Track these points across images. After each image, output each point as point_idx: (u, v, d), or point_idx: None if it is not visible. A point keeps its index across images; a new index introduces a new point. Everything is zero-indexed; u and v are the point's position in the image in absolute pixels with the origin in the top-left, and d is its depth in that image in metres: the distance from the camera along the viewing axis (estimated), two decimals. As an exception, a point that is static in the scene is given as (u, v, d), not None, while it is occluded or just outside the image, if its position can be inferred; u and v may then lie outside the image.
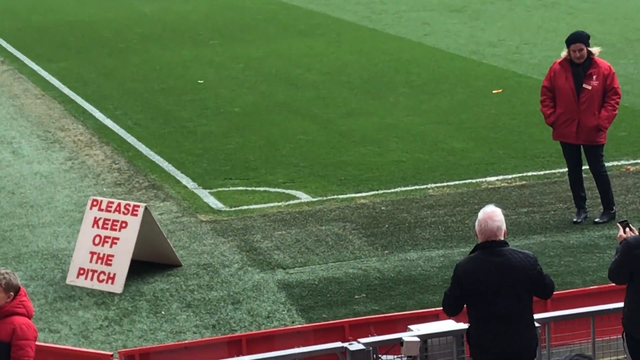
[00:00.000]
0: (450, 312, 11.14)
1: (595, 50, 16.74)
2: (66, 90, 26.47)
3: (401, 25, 31.53)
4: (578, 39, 16.44)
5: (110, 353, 11.91)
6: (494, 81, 23.98)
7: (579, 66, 16.44)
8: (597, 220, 16.61)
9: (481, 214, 10.66)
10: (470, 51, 27.98)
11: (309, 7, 34.67)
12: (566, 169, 17.22)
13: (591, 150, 16.83)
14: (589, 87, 16.32)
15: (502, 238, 10.47)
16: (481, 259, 10.56)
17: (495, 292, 10.43)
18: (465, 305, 10.62)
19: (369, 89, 25.16)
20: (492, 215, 10.42)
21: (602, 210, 16.86)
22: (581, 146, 16.80)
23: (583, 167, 17.22)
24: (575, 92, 16.37)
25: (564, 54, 16.62)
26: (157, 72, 27.67)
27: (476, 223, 10.59)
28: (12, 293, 9.63)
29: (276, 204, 18.69)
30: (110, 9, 36.29)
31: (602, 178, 16.95)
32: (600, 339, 12.02)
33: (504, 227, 10.52)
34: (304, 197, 18.90)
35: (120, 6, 36.56)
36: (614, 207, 16.88)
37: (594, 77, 16.38)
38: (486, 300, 10.51)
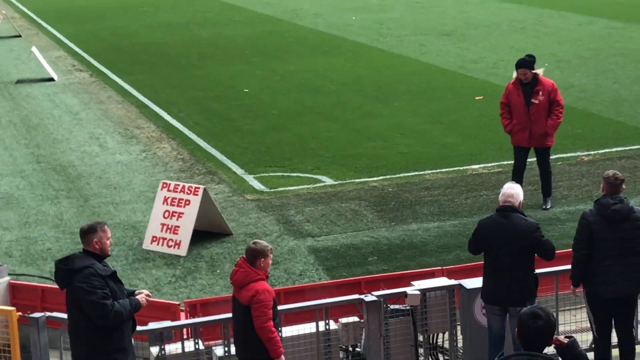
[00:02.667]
0: (471, 251, 11.61)
1: (539, 71, 16.87)
2: (141, 97, 26.48)
3: (403, 46, 31.43)
4: (522, 65, 16.68)
5: (177, 303, 11.96)
6: (477, 90, 23.99)
7: (528, 84, 16.54)
8: (546, 207, 16.73)
9: (504, 187, 11.26)
10: (458, 66, 27.89)
11: (331, 31, 34.63)
12: (512, 163, 17.32)
13: (541, 152, 16.93)
14: (537, 102, 16.45)
15: (516, 205, 10.85)
16: (493, 218, 11.06)
17: (498, 247, 10.84)
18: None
19: (379, 96, 25.10)
20: (512, 185, 11.43)
21: (545, 199, 16.94)
22: (533, 149, 16.88)
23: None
24: (526, 106, 16.45)
25: (514, 75, 16.67)
26: (212, 83, 27.63)
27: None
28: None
29: (306, 186, 18.63)
30: (175, 33, 36.30)
31: (547, 174, 17.09)
32: (562, 292, 12.03)
33: (519, 197, 10.96)
34: (328, 181, 18.83)
35: (183, 31, 36.54)
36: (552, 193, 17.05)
37: (540, 93, 16.51)
38: (492, 253, 10.98)
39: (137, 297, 9.80)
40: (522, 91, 16.54)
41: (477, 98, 23.12)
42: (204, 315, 12.18)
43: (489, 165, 18.95)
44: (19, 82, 29.27)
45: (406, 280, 12.39)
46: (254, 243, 10.39)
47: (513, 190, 11.15)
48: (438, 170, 19.06)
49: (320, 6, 41.38)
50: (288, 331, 11.09)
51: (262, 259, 10.16)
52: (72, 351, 9.99)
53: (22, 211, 18.03)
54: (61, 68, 31.01)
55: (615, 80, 25.39)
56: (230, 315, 10.87)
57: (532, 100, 16.43)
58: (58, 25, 39.95)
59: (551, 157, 17.70)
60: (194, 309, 12.51)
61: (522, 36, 31.61)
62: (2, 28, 37.98)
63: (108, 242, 9.80)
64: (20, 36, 37.58)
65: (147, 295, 10.01)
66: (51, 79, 29.11)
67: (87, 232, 9.77)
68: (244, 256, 10.26)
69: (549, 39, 31.01)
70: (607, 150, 19.91)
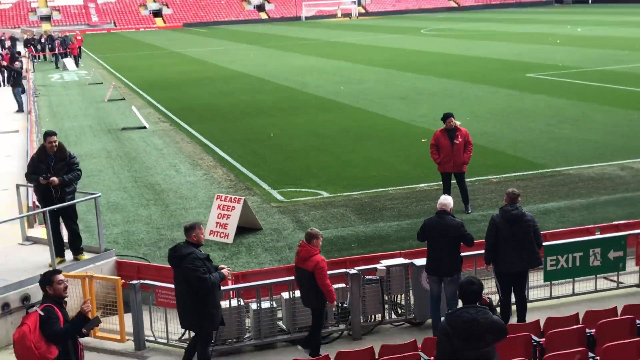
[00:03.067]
0: (420, 240, 11.75)
1: (458, 122, 17.07)
2: (203, 139, 26.55)
3: (374, 106, 31.48)
4: (450, 115, 16.96)
5: (226, 274, 11.97)
6: (422, 134, 23.93)
7: (451, 131, 16.67)
8: (467, 211, 16.80)
9: (441, 198, 11.62)
10: (410, 119, 27.93)
11: (327, 96, 34.70)
12: (441, 184, 17.40)
13: (460, 175, 17.00)
14: (457, 142, 16.52)
15: (448, 210, 11.28)
16: (434, 219, 11.36)
17: (437, 238, 11.17)
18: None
19: (358, 139, 25.14)
20: (446, 197, 11.98)
21: (466, 206, 17.05)
22: (453, 174, 16.96)
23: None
24: (451, 145, 16.48)
25: (443, 126, 16.84)
26: (249, 130, 27.66)
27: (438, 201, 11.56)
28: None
29: (310, 198, 18.62)
30: (225, 98, 36.39)
31: (465, 189, 17.14)
32: (479, 268, 12.08)
33: (450, 205, 11.39)
34: (325, 194, 18.81)
35: (230, 96, 36.61)
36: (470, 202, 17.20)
37: (459, 136, 16.61)
38: (433, 242, 11.33)
39: (221, 271, 10.12)
40: (448, 135, 16.64)
41: (422, 140, 23.18)
42: (243, 282, 12.29)
43: (431, 184, 18.89)
44: (123, 129, 29.40)
45: (376, 260, 12.45)
46: (311, 229, 11.08)
47: (446, 200, 11.41)
48: (397, 188, 19.02)
49: (319, 80, 41.51)
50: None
51: (315, 240, 10.84)
52: (180, 314, 10.30)
53: (125, 213, 18.06)
54: (151, 120, 31.09)
55: (514, 129, 25.49)
56: (260, 282, 11.67)
57: (455, 141, 16.54)
58: (149, 92, 40.11)
59: (471, 180, 17.80)
60: (237, 278, 12.60)
61: (452, 100, 31.69)
62: (113, 94, 38.09)
63: (202, 236, 10.18)
64: (124, 99, 37.76)
65: (228, 269, 10.42)
66: (144, 127, 29.20)
67: (189, 229, 10.13)
68: (304, 240, 10.94)
69: (470, 102, 31.14)
70: (508, 175, 19.93)
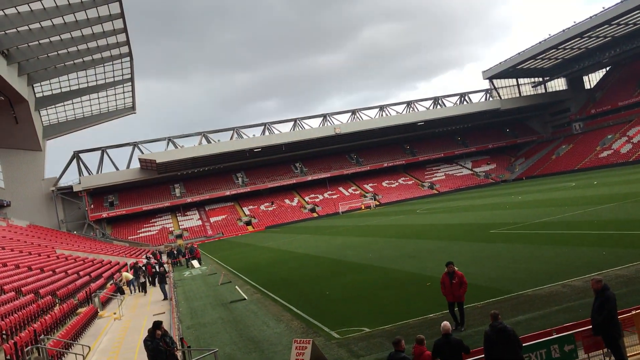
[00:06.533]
0: (433, 356, 11.35)
1: (455, 267, 16.85)
2: (283, 302, 26.12)
3: (392, 263, 30.93)
4: (450, 263, 16.80)
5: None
6: (428, 280, 23.33)
7: (451, 273, 16.42)
8: (462, 329, 16.22)
9: (442, 324, 11.41)
10: (419, 270, 27.40)
11: (358, 261, 34.18)
12: (443, 313, 17.03)
13: (459, 304, 16.56)
14: (454, 281, 16.29)
15: (449, 332, 11.28)
16: (442, 340, 11.27)
17: (447, 353, 11.05)
18: None
19: (384, 287, 24.48)
20: (445, 323, 11.55)
21: (462, 325, 16.48)
22: (455, 303, 16.56)
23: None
24: (450, 283, 16.23)
25: (445, 270, 16.66)
26: (312, 291, 27.11)
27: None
28: None
29: (357, 333, 17.97)
30: (293, 272, 35.98)
31: (462, 313, 16.60)
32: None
33: (448, 328, 11.36)
34: (366, 329, 18.25)
35: (297, 270, 36.28)
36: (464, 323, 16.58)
37: (456, 277, 16.38)
38: (444, 357, 11.08)
39: None
40: (449, 276, 16.46)
41: (427, 284, 22.70)
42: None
43: (437, 314, 18.21)
44: (231, 302, 29.25)
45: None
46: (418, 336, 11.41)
47: (446, 325, 11.02)
48: (414, 319, 18.35)
49: (354, 251, 41.24)
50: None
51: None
52: None
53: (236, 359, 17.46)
54: (248, 293, 30.94)
55: (487, 269, 24.89)
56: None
57: (453, 281, 16.31)
58: (246, 274, 40.04)
59: (465, 307, 17.17)
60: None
61: (443, 254, 30.93)
62: (223, 279, 38.23)
63: None
64: (230, 282, 37.81)
65: None
66: (244, 299, 29.03)
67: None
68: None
69: (455, 254, 30.54)
70: (487, 300, 19.21)
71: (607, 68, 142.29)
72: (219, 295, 32.70)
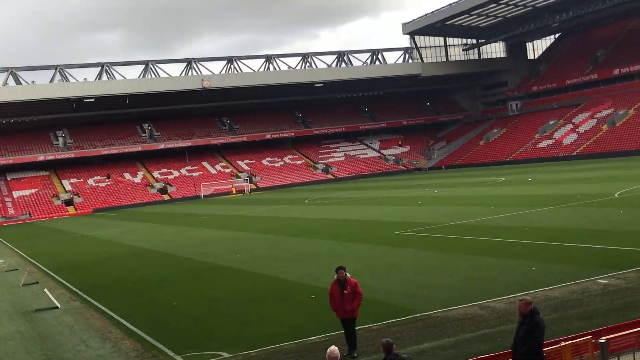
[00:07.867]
0: None
1: (348, 274, 17.09)
2: (111, 313, 25.52)
3: (267, 269, 31.36)
4: (341, 268, 17.08)
5: None
6: (311, 292, 23.82)
7: (341, 281, 16.80)
8: (353, 356, 16.70)
9: (327, 351, 11.13)
10: (299, 279, 27.92)
11: (221, 263, 34.31)
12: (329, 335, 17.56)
13: (350, 321, 16.94)
14: (346, 292, 16.72)
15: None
16: None
17: None
18: None
19: (254, 301, 24.75)
20: (332, 351, 11.50)
21: (352, 350, 16.89)
22: (346, 319, 16.93)
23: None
24: (340, 293, 16.64)
25: (335, 277, 17.01)
26: (154, 301, 26.77)
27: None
28: None
29: None
30: (129, 273, 35.36)
31: (353, 334, 16.97)
32: None
33: (334, 356, 11.11)
34: (225, 354, 18.25)
35: (135, 272, 35.64)
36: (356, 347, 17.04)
37: (348, 287, 16.83)
38: None
39: None
40: (339, 285, 16.79)
41: (311, 297, 23.09)
42: None
43: (320, 336, 18.61)
44: (36, 310, 28.33)
45: None
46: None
47: (332, 354, 11.12)
48: (291, 342, 18.58)
49: (217, 249, 41.24)
50: None
51: None
52: None
53: None
54: (62, 300, 30.13)
55: (387, 280, 25.85)
56: None
57: (345, 291, 16.70)
58: (60, 274, 38.93)
59: (357, 328, 17.62)
60: None
61: (335, 258, 31.70)
62: (27, 279, 36.85)
63: None
64: (37, 282, 36.63)
65: None
66: (56, 307, 28.16)
67: None
68: None
69: (350, 259, 31.27)
70: (386, 322, 19.82)
71: (556, 35, 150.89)
72: (19, 300, 31.43)
